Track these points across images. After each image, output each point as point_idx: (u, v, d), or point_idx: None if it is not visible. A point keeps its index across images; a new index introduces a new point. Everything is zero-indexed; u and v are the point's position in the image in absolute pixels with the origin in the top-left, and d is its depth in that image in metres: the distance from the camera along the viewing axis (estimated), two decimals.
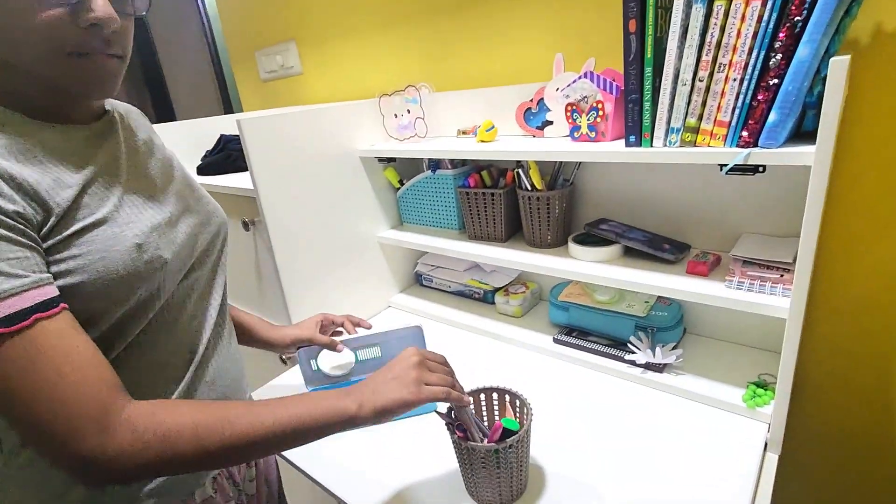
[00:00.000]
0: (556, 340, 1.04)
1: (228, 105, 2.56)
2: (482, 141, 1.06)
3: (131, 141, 0.62)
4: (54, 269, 0.48)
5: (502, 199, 1.07)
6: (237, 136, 1.31)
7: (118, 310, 0.52)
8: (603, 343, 0.99)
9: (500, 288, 1.22)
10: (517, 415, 0.73)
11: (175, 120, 2.42)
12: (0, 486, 0.55)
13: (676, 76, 0.71)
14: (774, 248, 0.80)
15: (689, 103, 0.71)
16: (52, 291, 0.46)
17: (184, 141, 1.40)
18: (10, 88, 0.51)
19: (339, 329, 0.97)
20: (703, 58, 0.68)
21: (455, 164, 1.17)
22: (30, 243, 0.46)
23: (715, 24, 0.66)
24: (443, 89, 1.22)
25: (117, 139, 0.60)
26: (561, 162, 1.03)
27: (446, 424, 0.68)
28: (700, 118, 0.71)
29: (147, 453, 0.46)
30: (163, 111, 2.52)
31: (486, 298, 1.24)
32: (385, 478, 0.76)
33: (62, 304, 0.47)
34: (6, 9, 0.45)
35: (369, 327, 0.97)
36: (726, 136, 0.69)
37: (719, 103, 0.69)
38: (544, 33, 1.09)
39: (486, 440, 0.70)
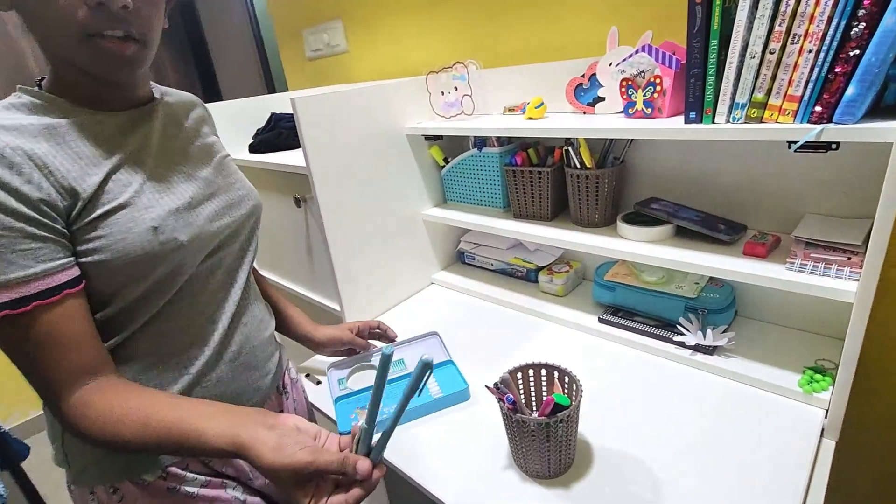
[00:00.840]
0: (601, 320, 1.04)
1: (270, 84, 2.60)
2: (531, 118, 1.05)
3: (170, 128, 0.66)
4: (82, 247, 0.54)
5: (549, 178, 1.07)
6: (287, 114, 1.35)
7: (141, 284, 0.58)
8: (650, 324, 0.98)
9: (544, 266, 1.22)
10: (566, 390, 0.74)
11: (221, 99, 2.49)
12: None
13: (745, 48, 0.68)
14: (841, 230, 0.77)
15: (757, 77, 0.68)
16: (55, 280, 0.51)
17: (233, 119, 1.44)
18: (58, 76, 0.57)
19: (377, 331, 1.02)
20: (776, 28, 0.65)
21: (501, 141, 1.17)
22: (44, 234, 0.51)
23: None
24: (491, 66, 1.21)
25: (152, 126, 0.64)
26: (612, 139, 1.01)
27: (497, 398, 0.70)
28: (769, 93, 0.68)
29: (91, 429, 0.53)
30: (210, 91, 2.59)
31: (528, 277, 1.25)
32: (428, 445, 0.79)
33: (65, 291, 0.52)
34: None
35: (395, 337, 1.04)
36: (797, 111, 0.66)
37: (791, 77, 0.65)
38: (596, 6, 1.05)
39: (533, 413, 0.71)
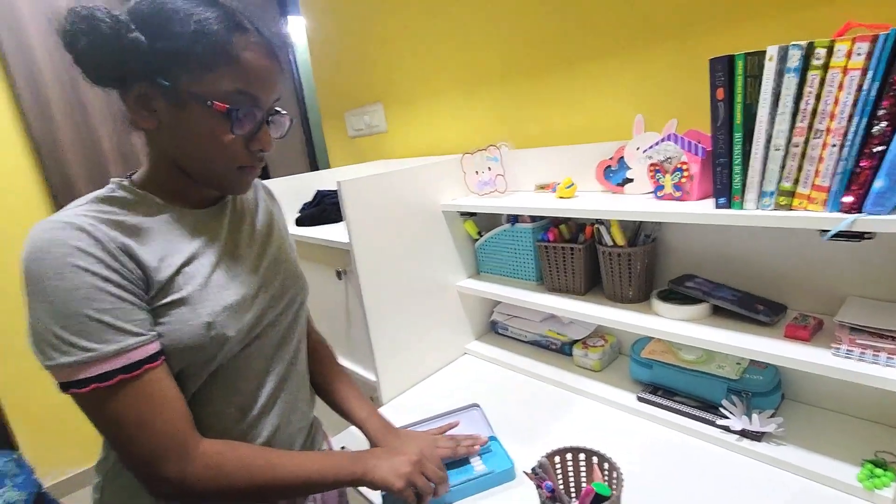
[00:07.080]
0: (640, 399, 1.01)
1: (313, 160, 2.80)
2: (562, 197, 1.09)
3: (236, 223, 0.71)
4: None
5: (582, 254, 1.09)
6: (333, 191, 1.45)
7: (176, 366, 0.61)
8: (691, 404, 0.96)
9: (578, 340, 1.21)
10: (605, 478, 0.72)
11: (269, 177, 2.68)
12: (101, 494, 0.67)
13: (769, 141, 0.71)
14: (887, 315, 0.75)
15: (783, 167, 0.71)
16: (156, 347, 0.58)
17: (283, 195, 1.55)
18: (157, 174, 0.65)
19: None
20: (798, 124, 0.68)
21: (534, 216, 1.21)
22: (145, 305, 0.58)
23: (810, 92, 0.66)
24: (522, 146, 1.28)
25: (221, 223, 0.69)
26: None
27: (535, 484, 0.69)
28: (796, 182, 0.70)
29: (212, 481, 0.59)
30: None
31: (562, 350, 1.24)
32: None
33: (162, 357, 0.58)
34: (214, 134, 0.60)
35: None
36: (826, 200, 0.68)
37: (817, 168, 0.68)
38: (623, 94, 1.12)
39: (573, 502, 0.69)
